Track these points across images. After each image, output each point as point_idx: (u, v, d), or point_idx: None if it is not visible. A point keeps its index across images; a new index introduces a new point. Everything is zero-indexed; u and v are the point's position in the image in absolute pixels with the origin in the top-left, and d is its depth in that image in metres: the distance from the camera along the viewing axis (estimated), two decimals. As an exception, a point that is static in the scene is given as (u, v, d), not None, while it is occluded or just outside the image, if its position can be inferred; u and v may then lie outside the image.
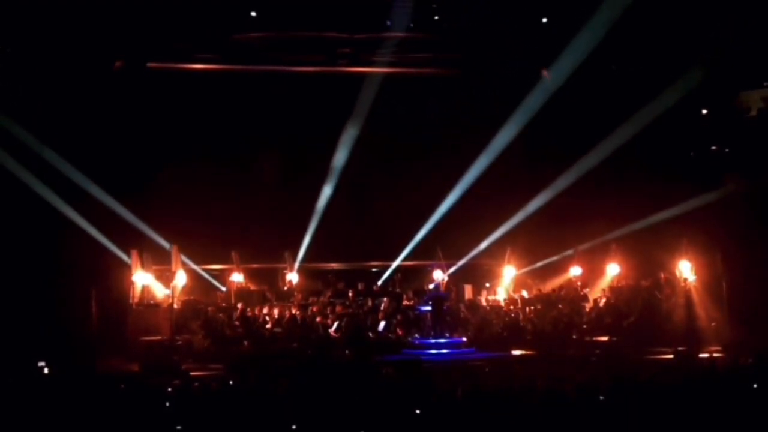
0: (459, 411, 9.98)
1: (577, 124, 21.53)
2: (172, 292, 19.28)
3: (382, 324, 19.59)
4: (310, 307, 20.20)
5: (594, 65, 19.97)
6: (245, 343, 18.83)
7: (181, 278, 19.86)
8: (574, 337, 19.80)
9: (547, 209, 21.79)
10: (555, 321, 20.14)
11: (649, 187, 20.73)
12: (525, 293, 21.63)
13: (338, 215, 22.57)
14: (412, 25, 21.38)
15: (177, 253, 19.96)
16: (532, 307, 20.98)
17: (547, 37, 21.17)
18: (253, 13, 20.45)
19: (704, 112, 22.17)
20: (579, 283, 21.81)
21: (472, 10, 20.58)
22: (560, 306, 20.74)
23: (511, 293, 21.81)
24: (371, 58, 21.50)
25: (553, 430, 9.71)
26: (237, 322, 19.33)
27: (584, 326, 20.18)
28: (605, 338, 19.76)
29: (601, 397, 10.33)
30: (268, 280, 22.23)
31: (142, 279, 19.66)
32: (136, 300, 19.58)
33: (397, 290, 21.49)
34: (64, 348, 16.82)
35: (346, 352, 18.45)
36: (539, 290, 21.69)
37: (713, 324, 19.71)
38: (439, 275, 21.54)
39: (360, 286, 21.25)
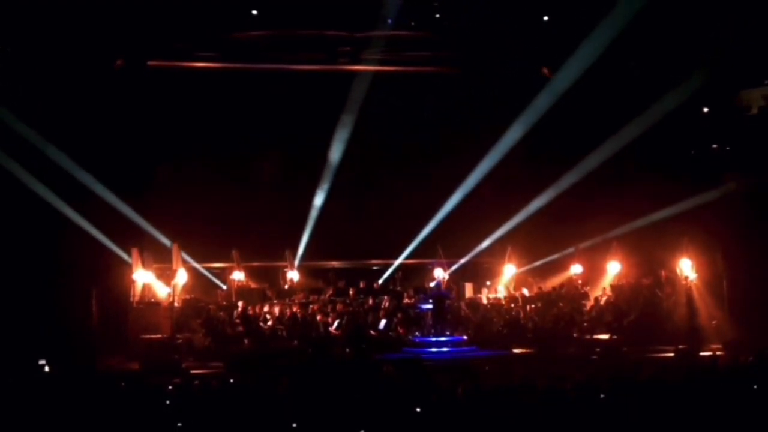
0: (459, 409, 9.98)
1: (580, 124, 21.52)
2: (173, 291, 19.29)
3: (383, 322, 19.60)
4: (310, 306, 20.21)
5: (596, 65, 19.92)
6: (246, 341, 18.83)
7: (181, 276, 19.87)
8: (575, 335, 19.78)
9: (548, 207, 21.78)
10: (556, 319, 20.15)
11: (649, 185, 20.71)
12: (526, 291, 21.64)
13: (339, 213, 22.58)
14: (412, 23, 21.41)
15: (178, 252, 19.98)
16: (533, 306, 20.98)
17: (548, 35, 21.18)
18: (254, 12, 20.44)
19: (705, 110, 22.15)
20: (580, 282, 21.81)
21: (472, 9, 20.57)
22: (561, 304, 20.75)
23: (512, 291, 21.81)
24: (372, 57, 21.49)
25: (554, 428, 9.70)
26: (238, 321, 19.33)
27: (585, 324, 20.17)
28: (606, 336, 19.75)
29: (602, 396, 10.32)
30: (268, 278, 22.24)
31: (143, 277, 19.67)
32: (136, 298, 19.60)
33: (398, 288, 21.50)
34: (64, 346, 16.83)
35: (347, 350, 18.45)
36: (540, 288, 21.71)
37: (714, 322, 19.71)
38: (439, 273, 21.55)
39: (361, 284, 21.26)
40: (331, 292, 21.07)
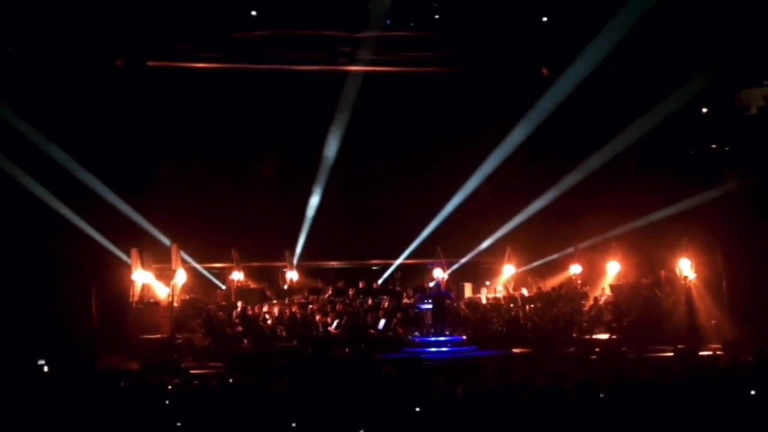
0: (459, 409, 9.97)
1: (579, 124, 21.52)
2: (173, 291, 19.28)
3: (383, 322, 19.58)
4: (310, 306, 20.20)
5: (596, 66, 19.92)
6: (245, 341, 18.84)
7: (181, 276, 19.87)
8: (575, 335, 19.79)
9: (547, 207, 21.79)
10: (555, 319, 20.14)
11: (649, 185, 20.75)
12: (525, 291, 21.63)
13: (339, 213, 22.59)
14: (412, 24, 21.42)
15: (177, 252, 19.98)
16: (533, 306, 20.97)
17: (547, 35, 21.18)
18: (254, 12, 20.44)
19: (704, 110, 22.16)
20: (579, 282, 21.83)
21: (472, 9, 20.58)
22: (560, 304, 20.74)
23: (511, 291, 21.81)
24: (371, 57, 21.49)
25: (554, 428, 9.70)
26: (237, 321, 19.33)
27: (584, 324, 20.19)
28: (605, 336, 19.77)
29: (602, 395, 10.32)
30: (268, 278, 22.25)
31: (142, 278, 19.66)
32: (136, 298, 19.59)
33: (398, 288, 21.50)
34: (64, 346, 16.81)
35: (346, 350, 18.45)
36: (539, 288, 21.72)
37: (713, 322, 19.70)
38: (439, 273, 21.55)
39: (360, 284, 21.26)
40: (330, 292, 21.07)
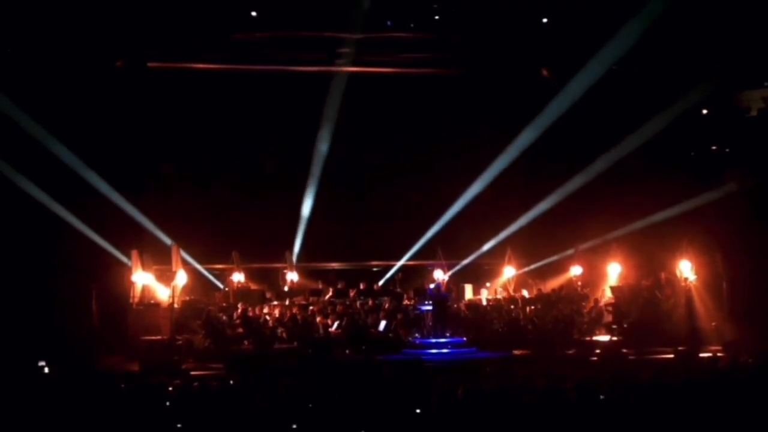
0: (460, 410, 9.97)
1: (580, 125, 21.52)
2: (173, 292, 19.29)
3: (383, 323, 19.59)
4: (310, 307, 20.20)
5: (598, 69, 19.92)
6: (246, 342, 18.84)
7: (181, 278, 19.88)
8: (575, 336, 19.80)
9: (548, 209, 21.79)
10: (555, 320, 20.14)
11: (649, 186, 20.74)
12: (525, 293, 21.63)
13: (339, 215, 22.59)
14: (412, 25, 21.42)
15: (177, 253, 19.98)
16: (533, 307, 20.96)
17: (547, 37, 21.19)
18: (254, 13, 20.45)
19: (705, 111, 22.17)
20: (579, 283, 21.81)
21: (472, 10, 20.59)
22: (561, 305, 20.73)
23: (511, 292, 21.81)
24: (371, 58, 21.50)
25: (554, 429, 9.70)
26: (237, 322, 19.33)
27: (585, 326, 20.19)
28: (606, 338, 19.78)
29: (602, 397, 10.32)
30: (268, 279, 22.25)
31: (143, 279, 19.66)
32: (136, 299, 19.60)
33: (398, 290, 21.49)
34: (64, 347, 16.82)
35: (347, 351, 18.46)
36: (540, 290, 21.69)
37: (714, 323, 19.73)
38: (439, 275, 21.56)
39: (361, 285, 21.25)
40: (331, 293, 21.06)
